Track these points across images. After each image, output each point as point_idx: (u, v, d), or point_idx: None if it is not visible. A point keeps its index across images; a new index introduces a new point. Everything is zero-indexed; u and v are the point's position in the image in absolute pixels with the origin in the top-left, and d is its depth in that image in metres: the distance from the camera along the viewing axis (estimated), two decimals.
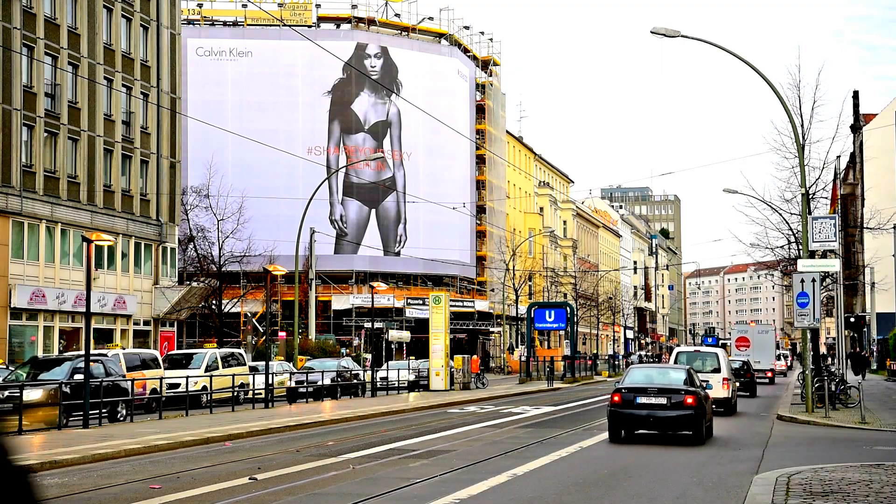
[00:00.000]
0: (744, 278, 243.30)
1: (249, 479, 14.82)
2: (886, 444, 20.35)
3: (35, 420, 24.35)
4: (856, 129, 74.19)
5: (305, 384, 38.27)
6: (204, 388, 33.36)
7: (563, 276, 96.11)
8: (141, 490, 14.01)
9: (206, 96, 70.08)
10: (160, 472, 16.15)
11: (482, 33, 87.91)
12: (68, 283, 42.97)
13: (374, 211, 76.09)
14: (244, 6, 74.70)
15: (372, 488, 13.64)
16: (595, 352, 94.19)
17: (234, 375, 35.35)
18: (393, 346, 67.78)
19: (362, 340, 63.70)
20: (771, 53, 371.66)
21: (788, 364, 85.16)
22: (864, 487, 12.55)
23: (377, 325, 59.95)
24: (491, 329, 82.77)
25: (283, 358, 48.31)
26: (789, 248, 38.01)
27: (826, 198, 41.13)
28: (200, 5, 76.02)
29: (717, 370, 30.04)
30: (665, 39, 28.19)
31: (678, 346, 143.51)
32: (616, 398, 20.91)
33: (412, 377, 47.99)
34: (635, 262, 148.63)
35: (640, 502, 12.84)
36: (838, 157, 50.29)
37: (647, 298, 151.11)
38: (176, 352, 42.94)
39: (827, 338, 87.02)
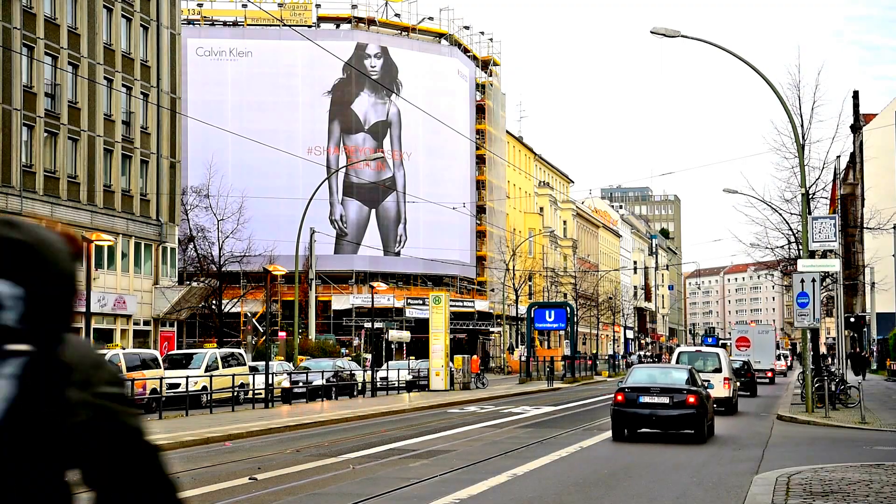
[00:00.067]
0: (744, 278, 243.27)
1: (249, 479, 14.83)
2: (886, 444, 20.35)
3: None
4: (856, 129, 74.17)
5: (301, 384, 38.05)
6: (204, 388, 33.35)
7: (563, 276, 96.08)
8: None
9: (206, 96, 70.07)
10: None
11: (482, 33, 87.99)
12: None
13: (374, 211, 76.09)
14: (244, 6, 74.70)
15: (372, 488, 13.64)
16: (595, 352, 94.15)
17: (234, 375, 35.33)
18: (393, 346, 67.77)
19: (362, 340, 63.69)
20: (771, 53, 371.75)
21: (788, 364, 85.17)
22: (864, 487, 12.55)
23: (377, 325, 59.93)
24: (491, 329, 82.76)
25: (283, 358, 48.31)
26: (789, 248, 38.00)
27: (826, 198, 41.12)
28: (200, 5, 76.02)
29: (719, 370, 30.28)
30: (665, 39, 28.21)
31: (678, 346, 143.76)
32: (619, 397, 21.26)
33: (409, 377, 47.86)
34: (635, 262, 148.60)
35: (640, 502, 12.85)
36: (838, 157, 50.31)
37: (647, 298, 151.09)
38: (176, 352, 42.91)
39: (827, 338, 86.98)
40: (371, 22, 78.78)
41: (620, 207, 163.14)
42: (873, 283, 59.95)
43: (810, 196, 32.50)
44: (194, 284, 52.71)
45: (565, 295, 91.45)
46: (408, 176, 77.05)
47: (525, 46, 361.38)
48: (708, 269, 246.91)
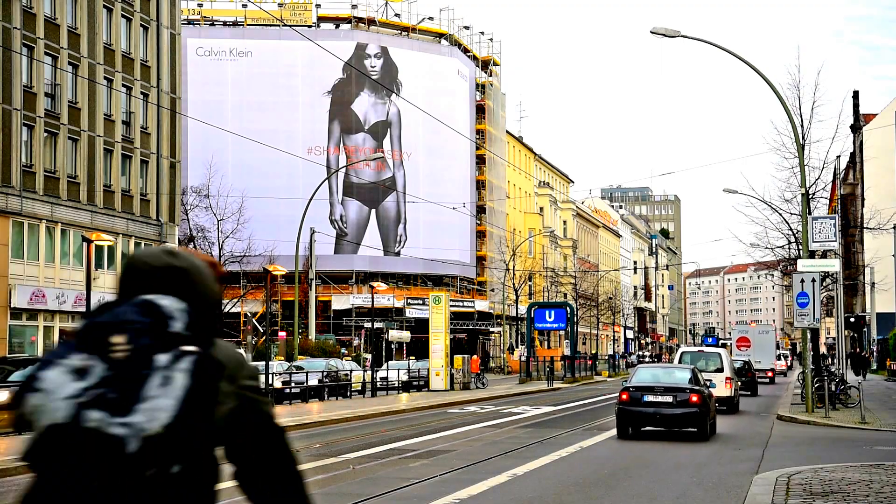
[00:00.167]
0: (744, 278, 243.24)
1: None
2: (886, 444, 20.35)
3: (1, 422, 22.89)
4: (856, 129, 74.16)
5: (294, 384, 37.51)
6: None
7: (563, 276, 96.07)
8: None
9: (206, 96, 70.06)
10: None
11: (482, 33, 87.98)
12: (68, 283, 42.96)
13: (374, 211, 76.08)
14: (244, 6, 74.69)
15: (372, 488, 13.64)
16: (595, 352, 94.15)
17: None
18: (393, 346, 67.77)
19: (362, 340, 63.69)
20: (771, 53, 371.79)
21: (788, 364, 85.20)
22: (864, 487, 12.55)
23: (377, 325, 59.93)
24: (491, 329, 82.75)
25: (283, 358, 48.30)
26: (789, 248, 38.00)
27: (826, 198, 41.13)
28: (200, 5, 76.01)
29: (720, 370, 30.63)
30: (665, 39, 28.21)
31: (678, 346, 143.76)
32: (624, 396, 21.73)
33: (406, 377, 47.70)
34: (635, 262, 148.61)
35: (640, 502, 12.85)
36: (838, 157, 50.20)
37: (647, 298, 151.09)
38: None
39: (827, 338, 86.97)
40: (371, 22, 78.77)
41: (620, 207, 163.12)
42: (873, 283, 59.94)
43: (810, 196, 32.51)
44: None
45: (565, 295, 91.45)
46: (408, 176, 77.05)
47: (525, 46, 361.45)
48: (708, 269, 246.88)
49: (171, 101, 51.28)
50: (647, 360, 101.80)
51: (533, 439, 21.34)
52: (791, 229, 36.67)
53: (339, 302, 71.52)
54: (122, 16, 47.91)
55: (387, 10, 79.54)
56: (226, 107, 70.90)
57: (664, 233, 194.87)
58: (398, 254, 76.36)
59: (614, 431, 23.07)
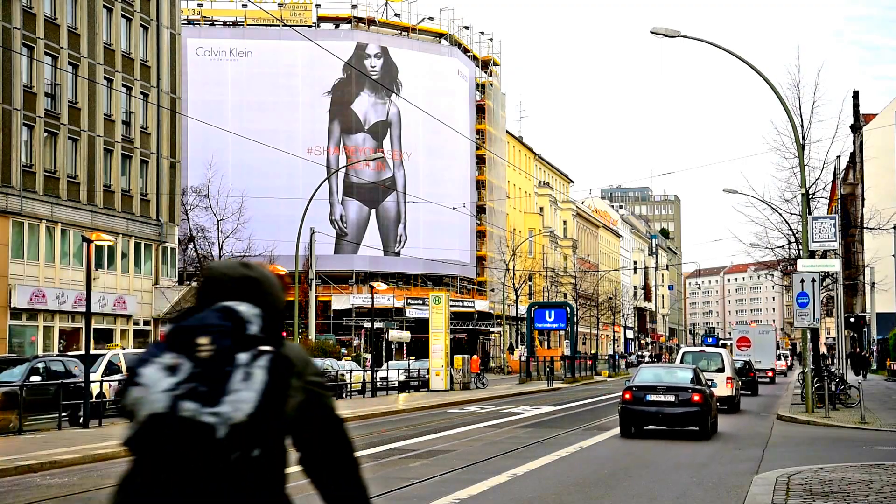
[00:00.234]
0: (744, 278, 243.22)
1: None
2: (886, 444, 20.35)
3: (1, 422, 23.15)
4: (856, 129, 74.15)
5: None
6: None
7: (563, 276, 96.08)
8: None
9: (206, 96, 70.06)
10: None
11: (482, 33, 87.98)
12: (68, 283, 42.95)
13: (374, 211, 76.08)
14: (244, 6, 74.69)
15: (372, 488, 13.54)
16: (595, 352, 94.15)
17: None
18: (393, 346, 67.77)
19: (362, 340, 63.69)
20: (771, 53, 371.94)
21: (788, 364, 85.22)
22: (864, 487, 12.55)
23: (377, 325, 59.93)
24: (491, 329, 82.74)
25: None
26: (789, 248, 38.00)
27: (826, 198, 41.13)
28: (200, 5, 76.01)
29: (722, 370, 30.92)
30: (665, 39, 28.20)
31: (678, 346, 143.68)
32: (627, 396, 22.08)
33: (403, 377, 47.66)
34: (635, 262, 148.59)
35: (640, 502, 12.85)
36: (838, 157, 50.16)
37: (647, 298, 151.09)
38: None
39: (827, 338, 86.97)
40: (371, 22, 78.77)
41: (620, 207, 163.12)
42: (873, 283, 59.91)
43: (810, 196, 32.50)
44: (194, 284, 52.67)
45: (565, 295, 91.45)
46: (408, 176, 77.05)
47: (525, 46, 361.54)
48: (708, 269, 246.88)
49: (171, 101, 51.28)
50: (646, 360, 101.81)
51: (533, 439, 21.34)
52: (791, 229, 36.67)
53: (339, 302, 71.52)
54: (122, 16, 47.91)
55: (387, 10, 79.56)
56: (226, 107, 70.90)
57: (664, 233, 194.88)
58: (398, 254, 76.36)
59: (614, 431, 23.10)
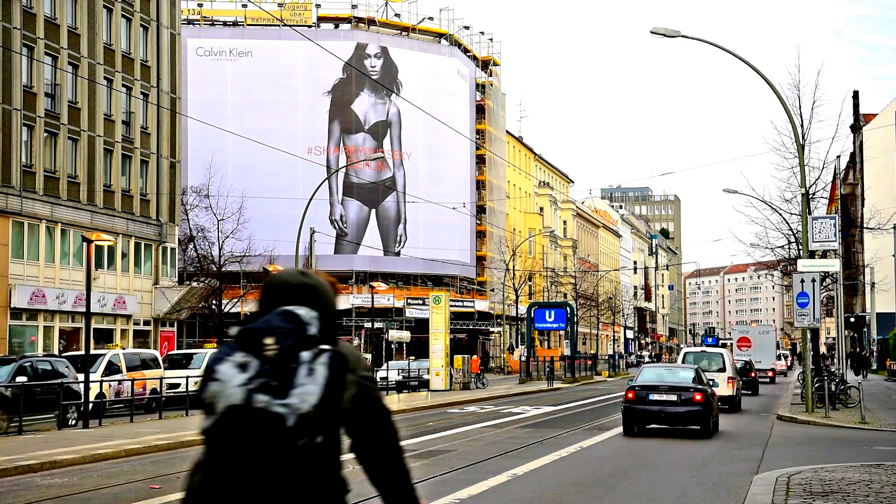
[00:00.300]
0: (744, 278, 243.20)
1: None
2: (886, 444, 20.34)
3: None
4: (856, 129, 74.15)
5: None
6: None
7: (563, 276, 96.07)
8: (141, 490, 14.01)
9: (206, 96, 70.06)
10: (160, 472, 16.14)
11: (482, 33, 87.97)
12: (68, 283, 42.95)
13: (374, 211, 76.06)
14: (244, 6, 74.68)
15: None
16: (595, 352, 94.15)
17: None
18: (393, 346, 67.76)
19: (362, 340, 63.67)
20: (771, 53, 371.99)
21: (788, 364, 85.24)
22: (864, 487, 12.55)
23: (377, 325, 59.91)
24: (491, 329, 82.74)
25: None
26: (789, 248, 38.00)
27: (825, 198, 41.12)
28: (200, 5, 75.99)
29: (723, 369, 31.24)
30: (665, 39, 28.19)
31: (678, 346, 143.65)
32: (630, 395, 22.38)
33: (400, 377, 47.60)
34: (635, 262, 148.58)
35: (640, 502, 12.84)
36: (838, 157, 50.11)
37: (647, 298, 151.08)
38: (176, 352, 42.90)
39: (827, 338, 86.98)
40: (371, 22, 78.76)
41: (620, 207, 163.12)
42: (873, 283, 59.91)
43: (810, 196, 32.49)
44: (194, 284, 52.69)
45: (565, 295, 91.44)
46: (408, 176, 77.04)
47: (525, 46, 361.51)
48: (708, 269, 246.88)
49: (171, 101, 51.28)
50: (646, 360, 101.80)
51: (533, 439, 21.34)
52: (791, 229, 36.67)
53: (339, 302, 71.30)
54: (122, 16, 47.91)
55: (387, 10, 79.55)
56: (226, 107, 70.89)
57: (664, 233, 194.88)
58: (398, 254, 76.35)
59: (614, 431, 23.13)
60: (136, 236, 48.23)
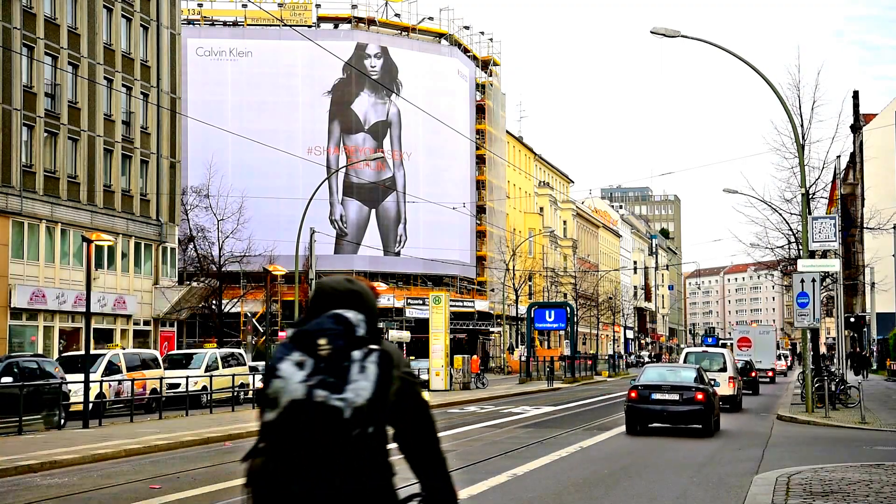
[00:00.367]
0: (744, 278, 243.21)
1: None
2: (886, 444, 20.35)
3: None
4: (856, 129, 74.15)
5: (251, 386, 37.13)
6: (204, 388, 33.35)
7: (563, 276, 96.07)
8: (141, 490, 14.01)
9: (206, 96, 70.04)
10: (160, 472, 16.15)
11: (482, 33, 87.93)
12: (68, 283, 42.95)
13: (374, 211, 76.05)
14: (244, 6, 74.66)
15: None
16: (595, 352, 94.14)
17: (234, 375, 35.32)
18: None
19: None
20: (771, 53, 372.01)
21: (789, 364, 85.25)
22: (864, 487, 12.55)
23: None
24: (491, 329, 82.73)
25: None
26: (789, 248, 38.00)
27: (825, 198, 41.14)
28: (200, 5, 75.98)
29: (724, 369, 31.54)
30: (665, 39, 28.19)
31: (678, 346, 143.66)
32: (633, 394, 22.66)
33: None
34: (635, 262, 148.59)
35: (640, 502, 12.85)
36: (838, 157, 50.14)
37: (647, 298, 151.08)
38: (176, 352, 42.93)
39: (827, 338, 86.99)
40: (371, 22, 78.74)
41: (620, 207, 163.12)
42: (873, 283, 59.91)
43: (810, 196, 32.49)
44: (194, 284, 52.71)
45: (565, 295, 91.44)
46: (408, 176, 77.03)
47: (525, 46, 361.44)
48: (708, 269, 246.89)
49: (171, 101, 51.28)
50: (646, 360, 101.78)
51: (533, 439, 21.34)
52: (791, 229, 36.67)
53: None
54: (122, 16, 47.91)
55: (387, 10, 79.53)
56: (226, 107, 70.88)
57: (664, 233, 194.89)
58: (398, 254, 76.35)
59: (615, 431, 23.15)
60: (136, 236, 48.23)
